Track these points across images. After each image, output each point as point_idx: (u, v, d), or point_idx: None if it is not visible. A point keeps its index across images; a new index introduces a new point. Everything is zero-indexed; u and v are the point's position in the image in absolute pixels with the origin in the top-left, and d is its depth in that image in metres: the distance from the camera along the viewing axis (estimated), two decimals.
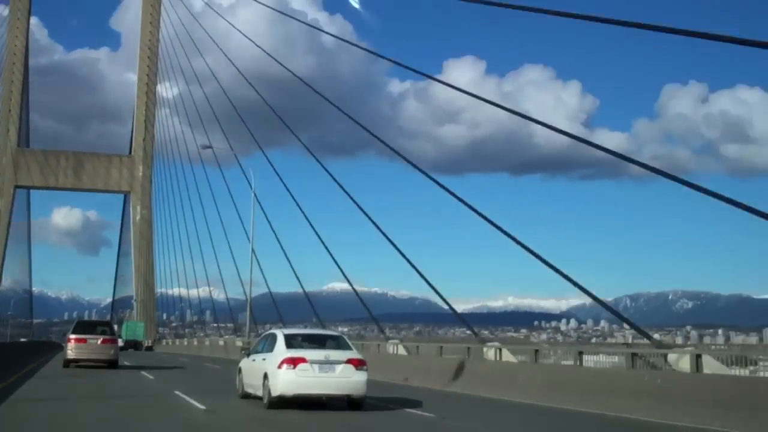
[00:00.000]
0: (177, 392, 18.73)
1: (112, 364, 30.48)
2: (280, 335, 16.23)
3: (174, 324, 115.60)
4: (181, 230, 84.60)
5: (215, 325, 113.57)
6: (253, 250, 52.23)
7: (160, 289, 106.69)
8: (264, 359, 16.05)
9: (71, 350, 30.07)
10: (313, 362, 15.03)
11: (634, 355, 18.54)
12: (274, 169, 47.98)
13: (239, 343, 46.37)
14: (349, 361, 15.35)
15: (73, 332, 30.62)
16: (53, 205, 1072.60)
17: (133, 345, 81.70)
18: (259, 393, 15.97)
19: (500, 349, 24.88)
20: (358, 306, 39.20)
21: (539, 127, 23.82)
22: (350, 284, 39.56)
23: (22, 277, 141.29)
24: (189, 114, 76.15)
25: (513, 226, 24.04)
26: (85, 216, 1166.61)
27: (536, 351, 23.18)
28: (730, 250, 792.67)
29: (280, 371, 15.01)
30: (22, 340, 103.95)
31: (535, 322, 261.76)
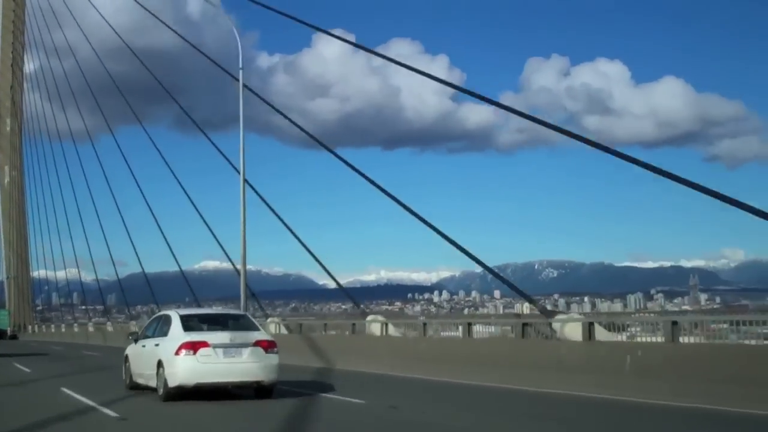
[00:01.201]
0: (63, 389, 16.61)
1: None
2: (175, 316, 14.63)
3: (39, 308, 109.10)
4: (47, 205, 78.29)
5: (83, 307, 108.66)
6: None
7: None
8: (157, 345, 14.47)
9: None
10: (216, 346, 13.60)
11: (525, 325, 18.88)
12: (154, 143, 45.85)
13: (134, 328, 43.56)
14: (257, 344, 13.95)
15: None
16: None
17: None
18: (152, 383, 14.45)
19: (386, 324, 24.84)
20: (232, 284, 38.42)
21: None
22: (231, 261, 38.26)
23: None
24: (50, 88, 70.93)
25: (386, 200, 23.81)
26: None
27: (425, 325, 23.22)
28: (592, 221, 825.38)
29: (178, 358, 13.48)
30: None
31: (409, 295, 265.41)
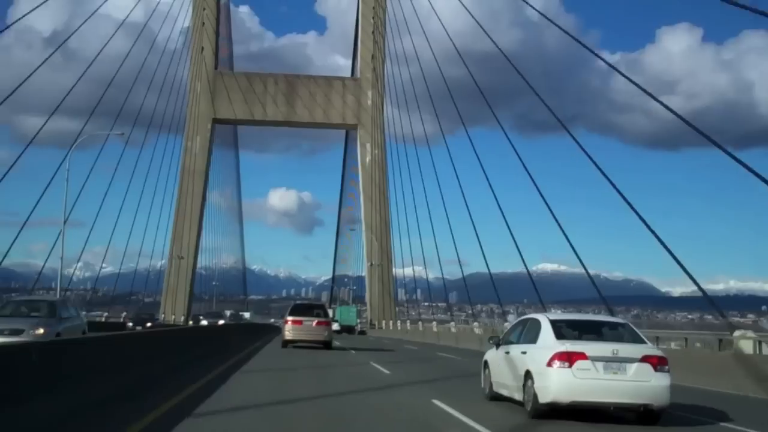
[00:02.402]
0: (435, 401, 13.81)
1: (326, 345, 31.63)
2: (544, 321, 12.64)
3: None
4: (405, 197, 72.86)
5: (426, 304, 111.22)
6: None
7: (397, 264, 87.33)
8: (524, 353, 12.49)
9: (288, 332, 31.40)
10: (595, 359, 11.29)
11: None
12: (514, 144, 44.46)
13: (478, 331, 42.08)
14: (645, 359, 11.45)
15: (290, 314, 31.85)
16: (269, 186, 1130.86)
17: (347, 329, 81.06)
18: (517, 396, 12.60)
19: (759, 342, 20.46)
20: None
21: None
22: (582, 263, 35.46)
23: (238, 255, 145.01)
24: (399, 96, 71.33)
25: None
26: (299, 197, 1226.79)
27: None
28: None
29: (551, 370, 11.43)
30: (245, 315, 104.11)
31: (763, 307, 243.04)
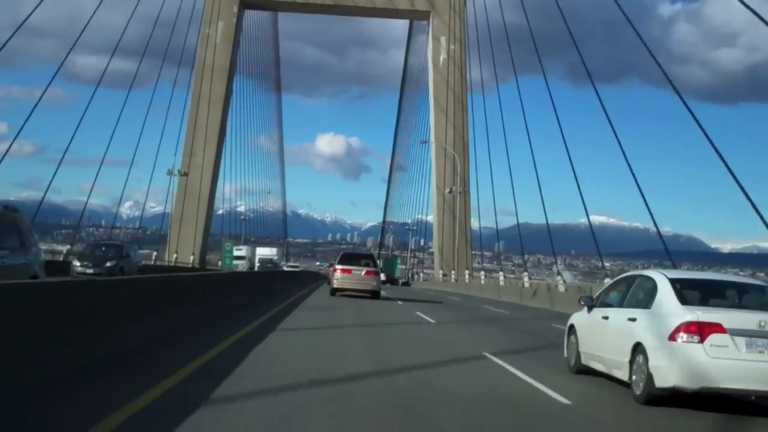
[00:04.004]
0: (488, 354, 13.05)
1: (374, 294, 31.17)
2: (662, 280, 9.68)
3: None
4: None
5: (474, 253, 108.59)
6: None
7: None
8: (632, 320, 9.64)
9: (337, 280, 31.22)
10: (734, 333, 8.51)
11: None
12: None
13: (562, 288, 37.89)
14: None
15: (339, 263, 31.54)
16: (316, 131, 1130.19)
17: (391, 280, 79.17)
18: (618, 374, 9.83)
19: None
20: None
21: None
22: (652, 218, 32.52)
23: (278, 197, 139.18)
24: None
25: None
26: (347, 142, 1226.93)
27: None
28: None
29: (675, 345, 8.65)
30: (286, 266, 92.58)
31: None
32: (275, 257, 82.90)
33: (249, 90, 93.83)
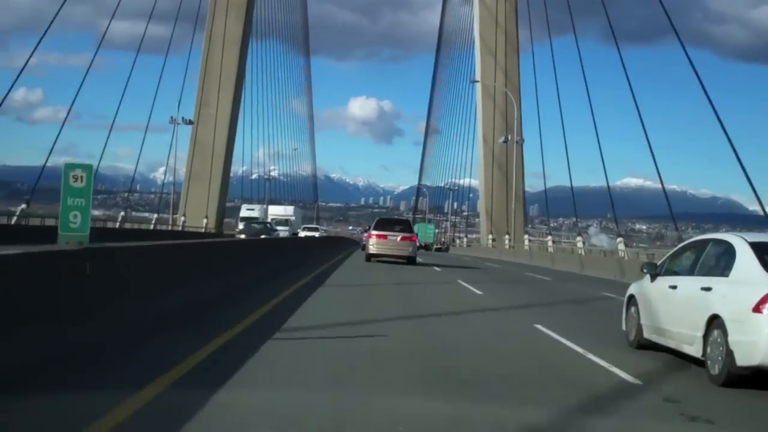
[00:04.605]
0: (538, 326, 12.42)
1: (410, 260, 30.88)
2: (741, 245, 8.76)
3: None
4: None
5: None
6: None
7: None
8: (707, 289, 8.69)
9: (372, 246, 31.01)
10: None
11: None
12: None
13: (622, 253, 36.12)
14: None
15: (375, 229, 31.39)
16: (348, 95, 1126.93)
17: (425, 246, 78.40)
18: (689, 349, 8.89)
19: None
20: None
21: None
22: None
23: (308, 160, 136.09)
24: None
25: None
26: (379, 106, 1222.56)
27: None
28: None
29: (761, 318, 7.69)
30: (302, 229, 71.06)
31: None
32: (292, 217, 71.07)
33: (278, 52, 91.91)
